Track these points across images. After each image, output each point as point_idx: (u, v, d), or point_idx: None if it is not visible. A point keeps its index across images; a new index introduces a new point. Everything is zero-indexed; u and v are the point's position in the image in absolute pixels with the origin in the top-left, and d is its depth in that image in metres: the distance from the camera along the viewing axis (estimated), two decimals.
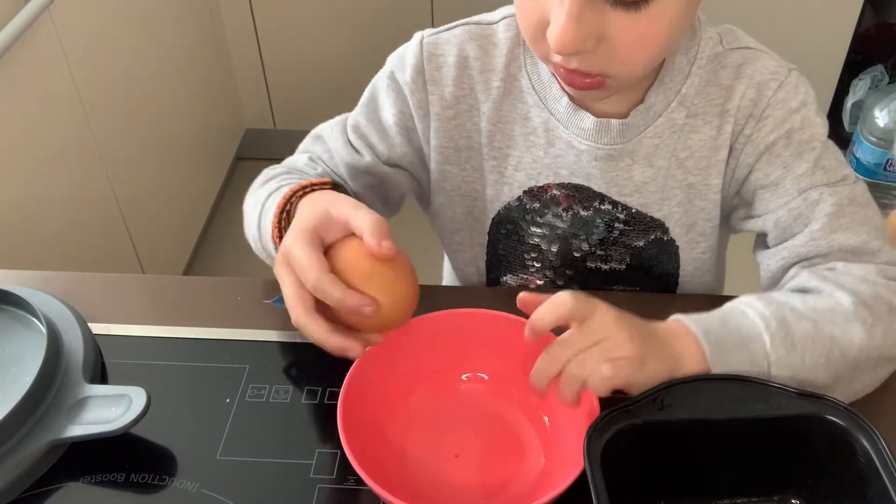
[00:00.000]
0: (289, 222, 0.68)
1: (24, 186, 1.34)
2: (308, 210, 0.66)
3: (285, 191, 0.71)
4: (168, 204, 1.85)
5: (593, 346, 0.60)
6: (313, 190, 0.71)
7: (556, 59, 0.65)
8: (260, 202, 0.76)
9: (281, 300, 0.71)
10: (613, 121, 0.73)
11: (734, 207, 0.79)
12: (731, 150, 0.75)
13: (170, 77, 1.83)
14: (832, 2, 1.91)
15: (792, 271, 0.73)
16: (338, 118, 0.84)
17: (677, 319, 0.65)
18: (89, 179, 1.52)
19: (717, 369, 0.62)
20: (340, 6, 2.02)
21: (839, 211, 0.71)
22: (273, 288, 0.76)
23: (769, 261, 0.75)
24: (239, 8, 2.03)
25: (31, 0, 1.28)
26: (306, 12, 2.03)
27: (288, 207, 0.70)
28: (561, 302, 0.61)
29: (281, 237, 0.69)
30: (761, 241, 0.78)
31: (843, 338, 0.65)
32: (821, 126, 0.74)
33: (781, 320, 0.65)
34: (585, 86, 0.66)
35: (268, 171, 0.82)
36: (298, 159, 0.84)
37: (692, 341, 0.64)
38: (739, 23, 0.76)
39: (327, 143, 0.83)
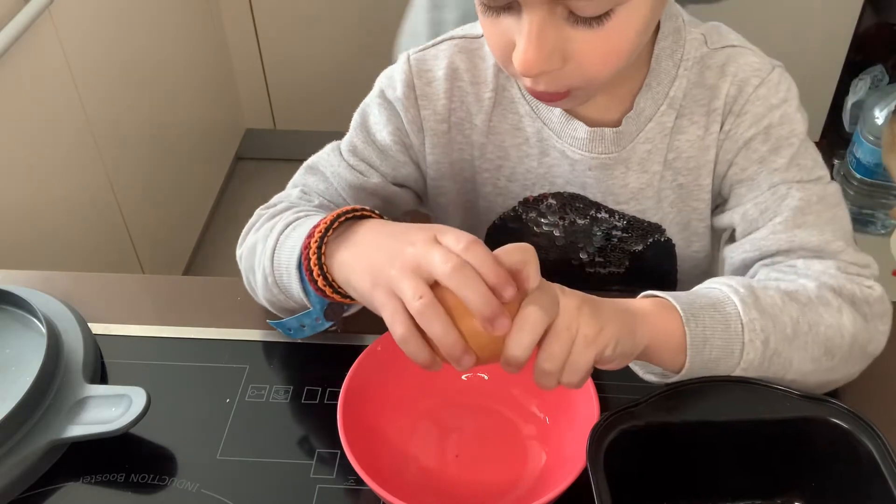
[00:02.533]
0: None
1: (24, 186, 1.34)
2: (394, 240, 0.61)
3: (311, 221, 0.66)
4: (168, 204, 1.85)
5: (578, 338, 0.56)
6: (363, 216, 0.66)
7: (525, 81, 0.64)
8: (274, 234, 0.69)
9: (284, 325, 0.70)
10: (607, 129, 0.73)
11: (715, 206, 0.79)
12: (717, 149, 0.74)
13: (170, 77, 1.83)
14: (832, 2, 1.91)
15: (753, 269, 0.72)
16: (328, 147, 0.81)
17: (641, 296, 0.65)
18: (89, 179, 1.52)
19: (691, 328, 0.61)
20: (340, 6, 2.02)
21: (805, 207, 0.70)
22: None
23: (732, 254, 0.74)
24: (239, 8, 2.02)
25: (30, 0, 1.28)
26: (306, 12, 2.03)
27: (329, 232, 0.64)
28: (533, 321, 0.55)
29: (319, 262, 0.63)
30: (730, 237, 0.77)
31: (812, 314, 0.64)
32: (801, 123, 0.73)
33: (748, 287, 0.64)
34: (553, 99, 0.66)
35: (262, 211, 0.76)
36: (290, 193, 0.78)
37: (661, 302, 0.63)
38: (739, 23, 0.76)
39: (324, 172, 0.78)
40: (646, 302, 0.63)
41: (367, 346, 0.66)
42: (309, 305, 0.67)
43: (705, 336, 0.61)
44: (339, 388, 0.63)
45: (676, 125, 0.74)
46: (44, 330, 0.69)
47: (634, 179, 0.76)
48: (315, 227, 0.64)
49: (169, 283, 0.89)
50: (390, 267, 0.57)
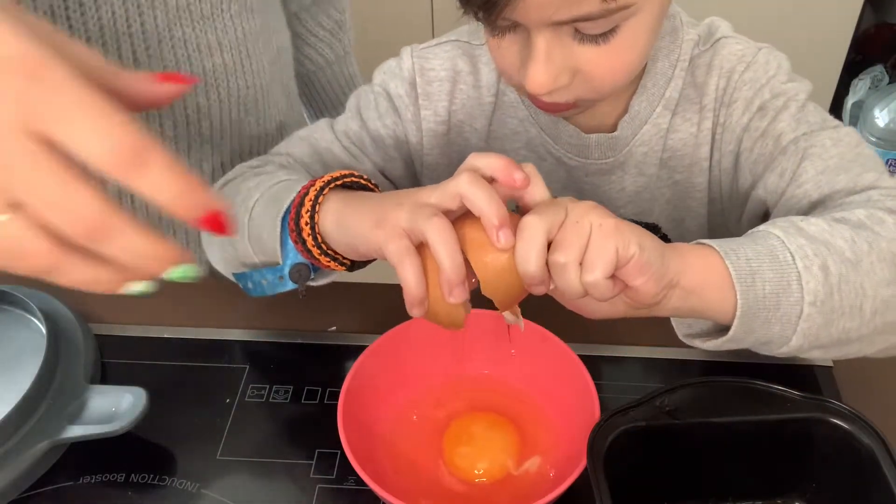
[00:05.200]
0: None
1: None
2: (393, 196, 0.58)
3: (300, 183, 0.64)
4: None
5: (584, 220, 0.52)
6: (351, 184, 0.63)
7: (534, 99, 0.65)
8: (267, 184, 0.66)
9: (247, 277, 0.67)
10: (602, 136, 0.73)
11: (747, 210, 0.74)
12: (712, 145, 0.74)
13: None
14: (832, 2, 1.91)
15: None
16: (321, 122, 0.80)
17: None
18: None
19: (732, 261, 0.54)
20: None
21: (823, 153, 0.66)
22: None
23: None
24: None
25: None
26: None
27: (331, 185, 0.62)
28: (532, 227, 0.51)
29: (313, 205, 0.60)
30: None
31: (867, 233, 0.57)
32: (794, 89, 0.70)
33: (787, 220, 0.58)
34: (560, 109, 0.66)
35: (244, 168, 0.74)
36: (272, 160, 0.75)
37: (693, 245, 0.57)
38: (739, 23, 0.76)
39: (315, 145, 0.77)
40: (675, 245, 0.56)
41: (367, 346, 0.66)
42: (278, 261, 0.64)
43: (752, 269, 0.54)
44: (339, 388, 0.63)
45: (671, 125, 0.74)
46: (44, 330, 0.69)
47: (631, 183, 0.76)
48: (316, 179, 0.62)
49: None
50: (398, 207, 0.55)
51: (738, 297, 0.53)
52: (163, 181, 0.37)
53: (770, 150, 0.69)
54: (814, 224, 0.57)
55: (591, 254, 0.51)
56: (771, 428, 0.58)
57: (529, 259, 0.51)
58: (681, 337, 0.60)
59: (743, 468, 0.59)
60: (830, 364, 0.72)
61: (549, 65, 0.59)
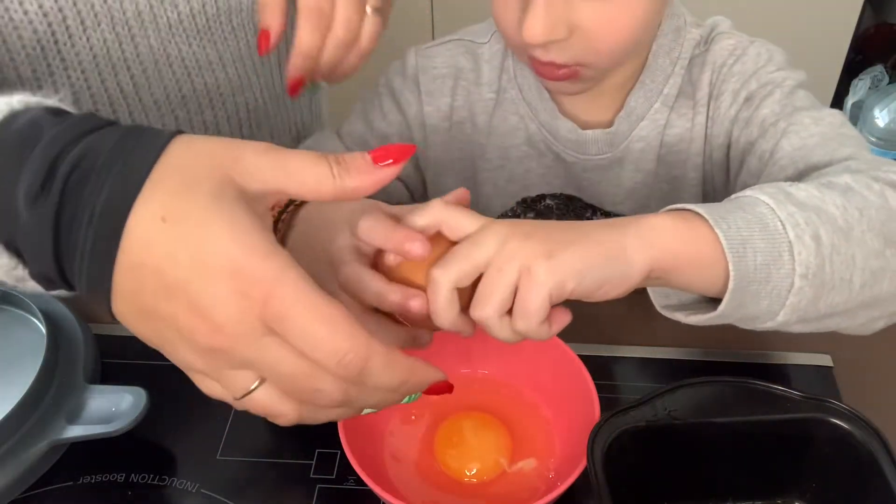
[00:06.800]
0: None
1: None
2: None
3: None
4: None
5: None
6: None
7: (532, 52, 0.65)
8: None
9: None
10: (599, 131, 0.73)
11: None
12: (705, 140, 0.74)
13: None
14: (832, 2, 1.91)
15: None
16: (325, 131, 0.81)
17: None
18: None
19: (722, 229, 0.49)
20: None
21: (802, 130, 0.64)
22: None
23: None
24: None
25: None
26: None
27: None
28: (433, 206, 0.49)
29: None
30: None
31: (857, 198, 0.53)
32: (782, 77, 0.69)
33: (775, 186, 0.54)
34: (559, 76, 0.66)
35: None
36: None
37: (676, 213, 0.51)
38: (739, 23, 0.76)
39: (321, 147, 0.78)
40: (655, 216, 0.51)
41: None
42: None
43: (742, 237, 0.49)
44: None
45: (668, 121, 0.74)
46: (44, 330, 0.69)
47: (629, 178, 0.76)
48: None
49: None
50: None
51: (730, 268, 0.48)
52: (383, 382, 0.42)
53: (754, 137, 0.69)
54: (803, 190, 0.53)
55: (520, 305, 0.47)
56: (771, 428, 0.58)
57: (439, 316, 0.48)
58: (658, 308, 0.55)
59: (743, 468, 0.59)
60: (830, 364, 0.72)
61: (547, 15, 0.61)
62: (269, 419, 0.44)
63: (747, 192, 0.53)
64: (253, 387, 0.42)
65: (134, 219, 0.37)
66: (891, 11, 2.14)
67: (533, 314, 0.47)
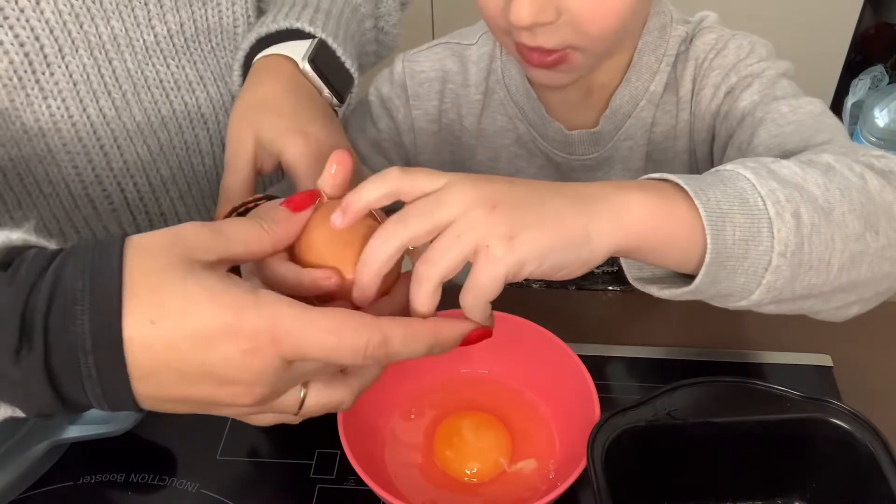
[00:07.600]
0: None
1: None
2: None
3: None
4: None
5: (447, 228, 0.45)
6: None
7: (519, 37, 0.64)
8: None
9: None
10: (584, 132, 0.73)
11: None
12: (689, 136, 0.74)
13: None
14: (832, 2, 1.91)
15: None
16: None
17: None
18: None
19: (702, 201, 0.47)
20: None
21: (780, 118, 0.63)
22: None
23: None
24: None
25: None
26: None
27: None
28: (389, 174, 0.46)
29: None
30: None
31: (839, 178, 0.52)
32: (762, 67, 0.68)
33: (757, 161, 0.52)
34: (548, 63, 0.65)
35: None
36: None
37: (654, 183, 0.49)
38: (738, 23, 0.76)
39: None
40: (629, 192, 0.47)
41: None
42: None
43: (722, 211, 0.47)
44: None
45: (654, 119, 0.74)
46: None
47: (619, 177, 0.76)
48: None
49: None
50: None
51: (708, 242, 0.46)
52: (411, 352, 0.44)
53: (733, 129, 0.68)
54: (785, 167, 0.51)
55: (473, 279, 0.44)
56: (771, 428, 0.58)
57: (370, 268, 0.45)
58: (631, 280, 0.53)
59: (743, 468, 0.59)
60: (830, 364, 0.72)
61: None
62: (333, 412, 0.47)
63: (728, 165, 0.51)
64: (302, 396, 0.45)
65: (128, 333, 0.39)
66: (891, 11, 2.14)
67: (485, 290, 0.44)
